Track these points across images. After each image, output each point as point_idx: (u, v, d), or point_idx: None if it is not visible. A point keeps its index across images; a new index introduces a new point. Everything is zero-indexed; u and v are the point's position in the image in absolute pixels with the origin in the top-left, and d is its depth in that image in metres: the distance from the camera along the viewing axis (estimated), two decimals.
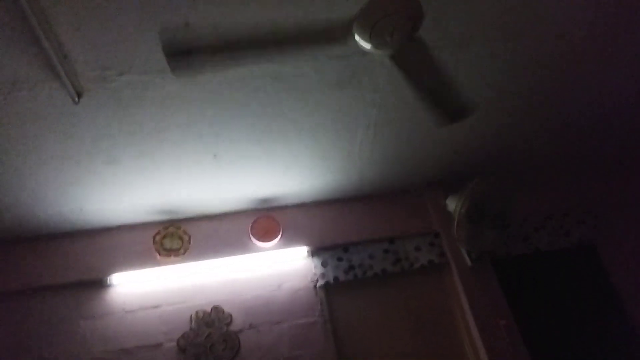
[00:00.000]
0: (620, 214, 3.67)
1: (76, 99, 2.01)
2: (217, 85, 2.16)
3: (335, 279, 3.15)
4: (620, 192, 3.77)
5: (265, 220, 3.23)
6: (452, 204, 3.17)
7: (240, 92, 2.25)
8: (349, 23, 1.57)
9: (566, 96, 2.89)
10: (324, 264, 3.20)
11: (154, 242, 3.06)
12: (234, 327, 2.93)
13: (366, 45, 1.62)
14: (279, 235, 3.20)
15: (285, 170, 2.97)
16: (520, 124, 3.06)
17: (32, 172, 2.46)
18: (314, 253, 3.24)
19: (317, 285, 3.14)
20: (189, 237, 3.13)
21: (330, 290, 3.18)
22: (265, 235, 3.18)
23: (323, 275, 3.16)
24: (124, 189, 2.78)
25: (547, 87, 2.75)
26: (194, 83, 2.12)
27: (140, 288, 3.00)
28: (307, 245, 3.24)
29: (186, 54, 1.56)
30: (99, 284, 2.98)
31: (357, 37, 1.61)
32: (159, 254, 3.04)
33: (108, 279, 2.97)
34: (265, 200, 3.29)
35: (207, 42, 1.55)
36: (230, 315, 2.96)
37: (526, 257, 3.41)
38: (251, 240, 3.18)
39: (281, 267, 3.18)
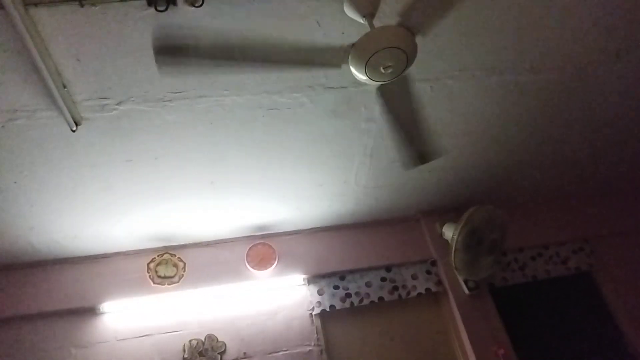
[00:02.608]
0: (615, 241, 3.70)
1: (74, 127, 2.03)
2: (214, 114, 2.19)
3: (332, 307, 3.12)
4: (614, 221, 3.80)
5: (261, 248, 3.22)
6: (449, 232, 3.17)
7: (237, 121, 2.27)
8: (346, 51, 1.60)
9: (563, 129, 2.93)
10: (320, 292, 3.17)
11: (148, 269, 3.03)
12: (227, 356, 2.88)
13: (362, 77, 1.65)
14: (275, 263, 3.17)
15: (281, 197, 2.97)
16: (515, 155, 3.10)
17: (27, 198, 2.45)
18: (310, 281, 3.22)
19: (313, 314, 3.10)
20: (184, 265, 3.11)
21: (326, 319, 3.14)
22: (261, 263, 3.16)
23: (319, 303, 3.13)
24: (119, 216, 2.77)
25: (542, 119, 2.80)
26: (191, 112, 2.14)
27: (133, 316, 2.96)
28: (303, 273, 3.22)
29: (176, 50, 1.51)
30: (91, 312, 2.93)
31: (352, 69, 1.64)
32: (153, 282, 3.01)
33: (100, 306, 2.93)
34: (261, 228, 3.28)
35: (200, 42, 1.51)
36: (224, 344, 2.91)
37: (524, 286, 3.40)
38: (247, 268, 3.15)
39: (277, 295, 3.15)
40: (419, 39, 1.58)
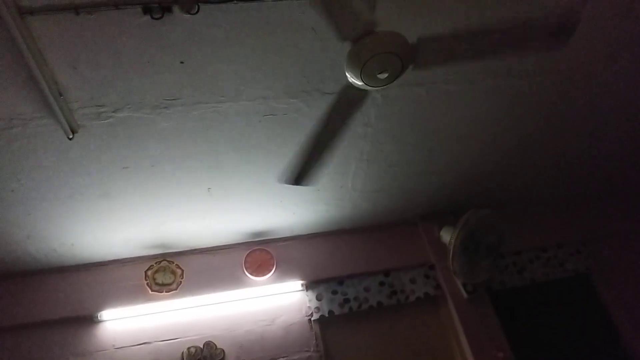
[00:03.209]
0: (613, 243, 3.70)
1: (70, 135, 2.03)
2: (211, 120, 2.19)
3: (330, 312, 3.11)
4: (612, 223, 3.81)
5: (259, 254, 3.21)
6: (446, 236, 3.17)
7: (234, 127, 2.27)
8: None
9: (560, 131, 2.95)
10: (318, 298, 3.16)
11: (145, 277, 3.02)
12: None
13: (358, 83, 1.65)
14: (273, 269, 3.17)
15: (279, 203, 2.97)
16: (512, 158, 3.11)
17: (24, 207, 2.45)
18: (308, 286, 3.21)
19: (312, 319, 3.09)
20: (182, 272, 3.10)
21: (325, 324, 3.13)
22: (259, 269, 3.15)
23: (318, 308, 3.12)
24: (116, 224, 2.76)
25: (538, 122, 2.81)
26: (187, 119, 2.14)
27: (131, 324, 2.95)
28: (301, 278, 3.21)
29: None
30: (89, 320, 2.92)
31: (348, 75, 1.65)
32: (151, 289, 3.00)
33: (98, 315, 2.92)
34: (259, 234, 3.28)
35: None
36: (223, 351, 2.90)
37: (522, 289, 3.41)
38: (245, 274, 3.15)
39: (275, 301, 3.14)
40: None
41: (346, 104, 1.80)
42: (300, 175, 2.14)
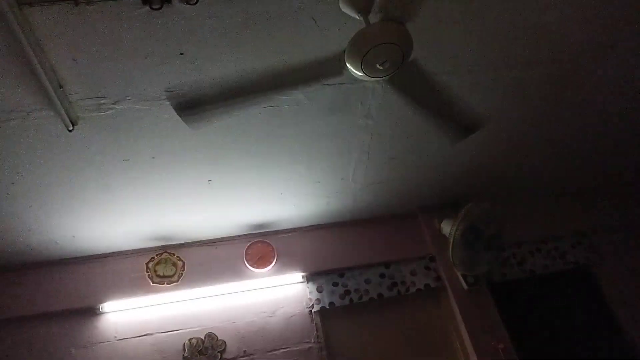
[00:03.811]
0: (613, 235, 3.71)
1: (70, 127, 2.03)
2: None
3: (331, 304, 3.13)
4: (613, 215, 3.82)
5: (260, 246, 3.22)
6: (447, 228, 3.17)
7: (235, 120, 2.26)
8: (341, 55, 1.61)
9: (561, 123, 2.93)
10: (319, 290, 3.18)
11: (147, 268, 3.03)
12: (227, 354, 2.89)
13: (358, 74, 1.65)
14: (274, 261, 3.18)
15: (279, 195, 2.97)
16: (513, 149, 3.10)
17: (25, 199, 2.45)
18: (309, 278, 3.22)
19: (313, 311, 3.11)
20: (183, 264, 3.11)
21: (325, 316, 3.15)
22: (260, 261, 3.16)
23: (318, 300, 3.13)
24: (117, 216, 2.76)
25: (542, 114, 2.80)
26: None
27: (132, 316, 2.96)
28: (302, 270, 3.22)
29: (196, 106, 1.75)
30: (91, 312, 2.94)
31: (349, 67, 1.64)
32: (152, 281, 3.01)
33: (100, 306, 2.93)
34: (260, 226, 3.28)
35: (213, 94, 1.65)
36: (224, 343, 2.92)
37: (522, 281, 3.42)
38: (246, 266, 3.16)
39: (276, 293, 3.15)
40: (414, 36, 1.58)
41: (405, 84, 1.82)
42: (464, 127, 2.16)
